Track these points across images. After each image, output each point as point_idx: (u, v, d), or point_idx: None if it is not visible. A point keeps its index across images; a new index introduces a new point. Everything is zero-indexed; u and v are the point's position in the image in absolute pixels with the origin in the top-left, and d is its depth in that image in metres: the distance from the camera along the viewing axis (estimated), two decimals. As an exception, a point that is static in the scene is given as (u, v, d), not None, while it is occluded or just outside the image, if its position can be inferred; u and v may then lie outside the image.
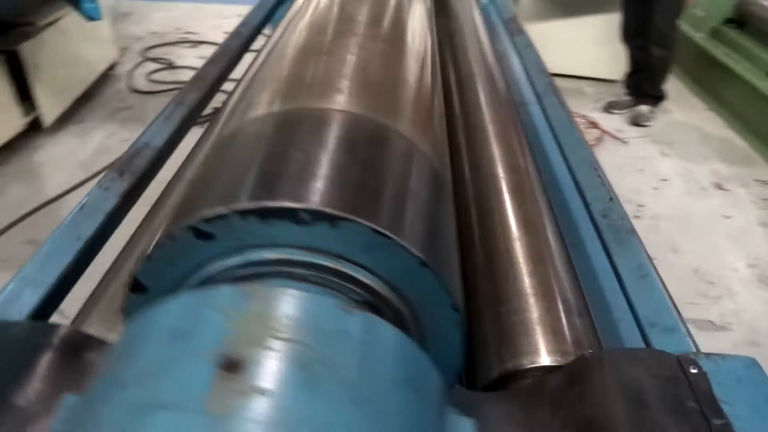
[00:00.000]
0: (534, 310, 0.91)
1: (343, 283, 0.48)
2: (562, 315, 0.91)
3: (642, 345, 0.91)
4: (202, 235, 0.48)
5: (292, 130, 0.58)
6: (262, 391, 0.33)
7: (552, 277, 0.99)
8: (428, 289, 0.50)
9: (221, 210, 0.47)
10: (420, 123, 0.73)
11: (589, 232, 1.20)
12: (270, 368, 0.35)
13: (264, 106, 0.67)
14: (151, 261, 0.49)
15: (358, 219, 0.47)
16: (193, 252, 0.49)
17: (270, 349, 0.36)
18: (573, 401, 0.71)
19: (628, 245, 1.08)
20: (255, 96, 0.72)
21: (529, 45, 1.97)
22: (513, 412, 0.74)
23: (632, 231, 1.11)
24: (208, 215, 0.47)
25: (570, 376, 0.75)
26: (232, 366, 0.35)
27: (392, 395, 0.38)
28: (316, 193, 0.48)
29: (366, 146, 0.57)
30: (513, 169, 1.29)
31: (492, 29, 2.29)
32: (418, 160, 0.63)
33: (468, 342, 0.94)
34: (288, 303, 0.39)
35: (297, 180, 0.50)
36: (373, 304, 0.49)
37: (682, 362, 0.73)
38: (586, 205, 1.23)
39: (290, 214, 0.47)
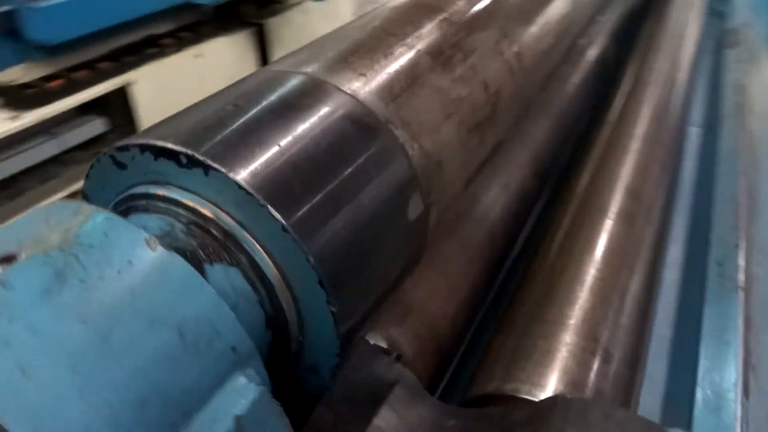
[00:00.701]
0: (556, 342, 0.81)
1: (212, 231, 0.50)
2: (590, 357, 0.80)
3: (684, 415, 0.76)
4: (118, 163, 0.54)
5: (262, 89, 0.61)
6: (4, 284, 0.38)
7: (605, 316, 0.86)
8: (296, 260, 0.50)
9: (127, 142, 0.52)
10: (432, 132, 0.68)
11: (697, 278, 1.01)
12: (29, 269, 0.39)
13: (280, 64, 0.71)
14: (88, 179, 0.57)
15: (224, 171, 0.49)
16: (115, 178, 0.55)
17: (46, 255, 0.40)
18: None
19: (726, 302, 0.89)
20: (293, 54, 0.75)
21: (740, 60, 1.68)
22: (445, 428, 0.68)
23: (740, 288, 0.91)
24: (119, 145, 0.53)
25: (533, 415, 0.66)
26: (6, 260, 0.40)
27: (140, 329, 0.39)
28: (205, 141, 0.51)
29: (323, 124, 0.57)
30: (632, 193, 1.14)
31: (713, 39, 2.00)
32: (385, 159, 0.60)
33: (485, 351, 0.87)
34: (97, 224, 0.43)
35: (203, 128, 0.53)
36: (237, 259, 0.50)
37: (674, 441, 0.60)
38: (706, 246, 1.04)
39: (173, 156, 0.50)
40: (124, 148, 0.53)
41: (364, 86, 0.63)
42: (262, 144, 0.52)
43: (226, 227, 0.49)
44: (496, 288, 1.08)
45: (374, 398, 0.71)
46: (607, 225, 1.05)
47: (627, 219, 1.07)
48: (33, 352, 0.35)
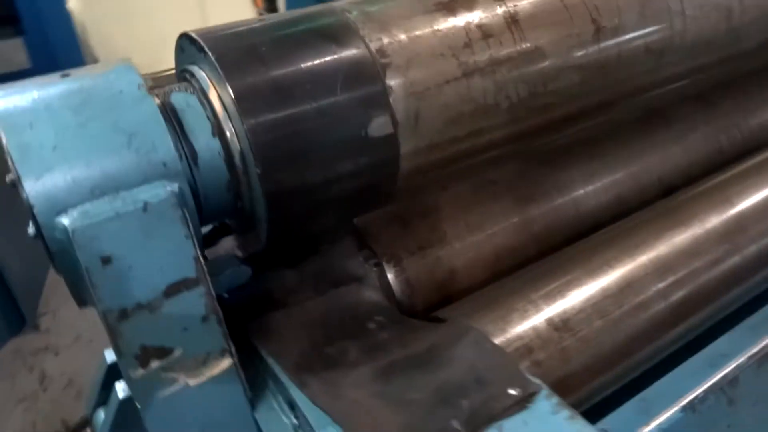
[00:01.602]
0: (529, 306, 0.85)
1: (186, 76, 0.74)
2: (552, 331, 0.83)
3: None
4: (180, 48, 0.80)
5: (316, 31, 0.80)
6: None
7: (590, 303, 0.87)
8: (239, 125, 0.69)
9: (184, 32, 0.77)
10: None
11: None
12: (69, 83, 0.66)
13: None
14: (175, 61, 0.84)
15: (212, 56, 0.70)
16: (181, 59, 0.81)
17: (88, 74, 0.67)
18: (414, 341, 0.73)
19: (747, 334, 0.81)
20: None
21: None
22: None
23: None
24: (181, 33, 0.78)
25: (435, 329, 0.75)
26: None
27: (106, 127, 0.64)
28: (214, 35, 0.73)
29: (297, 31, 0.75)
30: (738, 222, 1.03)
31: None
32: (351, 68, 0.73)
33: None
34: (123, 70, 0.68)
35: (223, 29, 0.75)
36: (195, 89, 0.73)
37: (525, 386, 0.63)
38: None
39: (195, 42, 0.73)
40: (181, 37, 0.78)
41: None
42: (246, 40, 0.73)
43: (195, 72, 0.74)
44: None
45: (335, 283, 0.87)
46: (680, 236, 0.98)
47: (710, 239, 0.98)
48: (47, 124, 0.62)
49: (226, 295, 0.86)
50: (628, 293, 0.88)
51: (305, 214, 0.78)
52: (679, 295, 0.92)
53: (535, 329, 0.81)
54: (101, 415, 0.91)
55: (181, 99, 0.72)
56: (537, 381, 0.64)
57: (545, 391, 0.63)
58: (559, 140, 1.12)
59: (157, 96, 0.72)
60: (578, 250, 0.98)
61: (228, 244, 0.93)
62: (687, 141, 1.22)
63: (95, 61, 4.16)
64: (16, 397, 2.09)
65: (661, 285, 0.91)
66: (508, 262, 1.02)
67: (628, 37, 0.92)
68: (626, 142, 1.18)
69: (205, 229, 0.93)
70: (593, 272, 0.90)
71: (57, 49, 4.07)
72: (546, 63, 0.85)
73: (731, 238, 1.00)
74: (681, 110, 1.24)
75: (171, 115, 0.71)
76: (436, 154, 0.83)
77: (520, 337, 0.80)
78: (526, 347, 0.79)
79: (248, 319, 0.80)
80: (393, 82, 0.75)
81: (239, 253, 0.89)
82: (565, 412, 0.61)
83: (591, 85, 0.93)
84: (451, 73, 0.78)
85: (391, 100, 0.75)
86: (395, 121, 0.76)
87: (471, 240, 0.99)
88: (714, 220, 1.01)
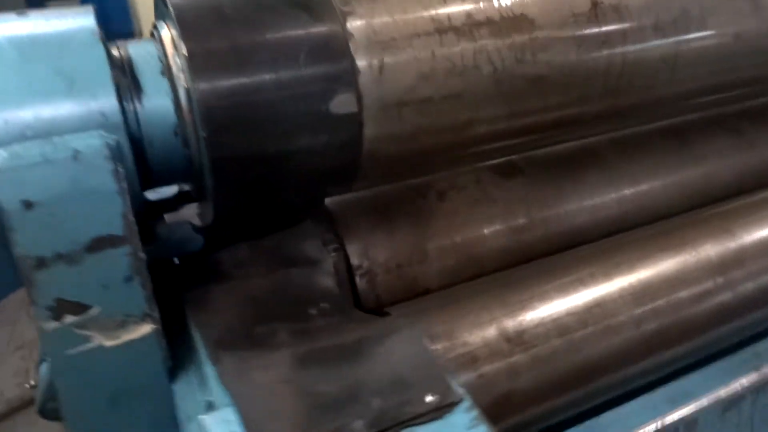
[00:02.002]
0: (487, 317, 0.80)
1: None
2: (504, 343, 0.78)
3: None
4: (155, 4, 0.77)
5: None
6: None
7: (552, 319, 0.82)
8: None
9: (156, -12, 0.75)
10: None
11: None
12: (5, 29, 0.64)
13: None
14: (154, 11, 0.82)
15: (172, 11, 0.67)
16: (157, 14, 0.79)
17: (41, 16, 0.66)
18: (346, 331, 0.70)
19: (718, 376, 0.75)
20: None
21: None
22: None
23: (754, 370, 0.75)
24: (155, -9, 0.76)
25: (374, 325, 0.71)
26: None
27: (50, 71, 0.62)
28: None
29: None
30: (736, 258, 0.95)
31: None
32: (318, 41, 0.70)
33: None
34: (86, 20, 0.66)
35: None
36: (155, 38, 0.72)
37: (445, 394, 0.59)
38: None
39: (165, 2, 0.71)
40: (155, -8, 0.76)
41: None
42: (221, 20, 0.69)
43: (159, 28, 0.72)
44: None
45: (289, 263, 0.83)
46: (667, 261, 0.91)
47: (701, 269, 0.91)
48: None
49: (176, 261, 0.85)
50: (597, 314, 0.82)
51: (255, 186, 0.75)
52: (654, 324, 0.85)
53: (483, 338, 0.77)
54: (44, 368, 0.90)
55: (137, 47, 0.70)
56: (461, 391, 0.60)
57: (467, 402, 0.59)
58: (566, 156, 1.06)
59: (117, 48, 0.70)
60: (555, 263, 0.92)
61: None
62: (713, 174, 1.12)
63: (141, 33, 4.26)
64: (15, 344, 2.15)
65: (636, 311, 0.85)
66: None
67: (632, 17, 0.83)
68: (642, 174, 1.08)
69: (170, 193, 0.91)
70: (563, 287, 0.84)
71: (111, 17, 4.19)
72: (533, 29, 0.78)
73: (726, 272, 0.93)
74: (710, 141, 1.15)
75: (126, 66, 0.68)
76: (410, 118, 0.76)
77: (465, 344, 0.75)
78: (471, 355, 0.75)
79: (190, 288, 0.78)
80: (353, 27, 0.71)
81: (197, 222, 0.87)
82: (483, 428, 0.56)
83: (590, 64, 0.83)
84: (421, 26, 0.73)
85: (350, 46, 0.70)
86: (360, 97, 0.72)
87: (452, 264, 0.92)
88: (709, 250, 0.94)
